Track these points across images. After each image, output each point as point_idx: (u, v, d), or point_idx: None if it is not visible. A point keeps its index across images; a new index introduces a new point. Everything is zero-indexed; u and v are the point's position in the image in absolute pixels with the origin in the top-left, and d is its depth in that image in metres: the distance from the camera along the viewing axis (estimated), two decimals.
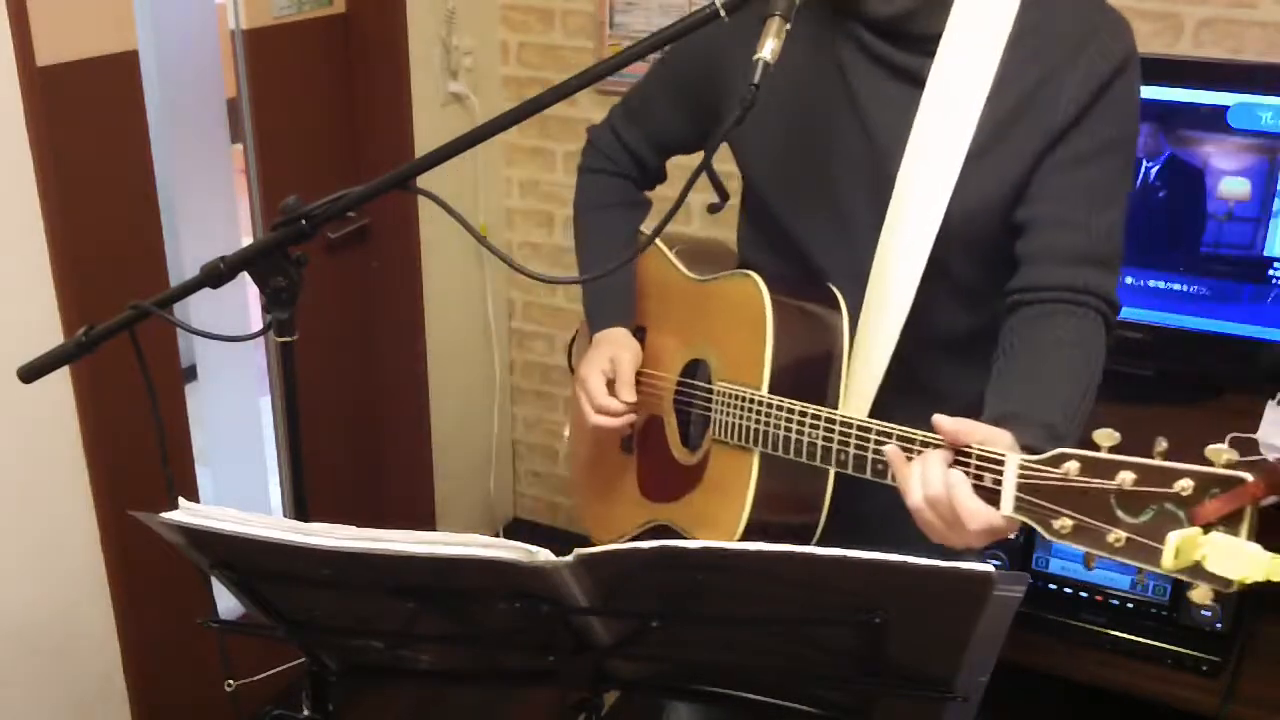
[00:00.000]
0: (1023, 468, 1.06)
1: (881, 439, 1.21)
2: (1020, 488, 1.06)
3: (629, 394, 1.50)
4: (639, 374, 1.55)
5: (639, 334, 1.60)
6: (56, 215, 1.96)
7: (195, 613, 1.27)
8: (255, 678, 2.02)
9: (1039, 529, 1.04)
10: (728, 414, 1.40)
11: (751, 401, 1.36)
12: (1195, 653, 2.19)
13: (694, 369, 1.53)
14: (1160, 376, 2.23)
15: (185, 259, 2.65)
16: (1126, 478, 0.98)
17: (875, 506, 1.36)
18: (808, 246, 1.43)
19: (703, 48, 1.44)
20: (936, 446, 1.15)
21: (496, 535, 1.02)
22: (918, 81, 1.30)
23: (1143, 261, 2.21)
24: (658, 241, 1.62)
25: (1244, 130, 2.08)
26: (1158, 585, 2.22)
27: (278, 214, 1.19)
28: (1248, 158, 2.09)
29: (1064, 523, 1.02)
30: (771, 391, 1.34)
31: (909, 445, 1.18)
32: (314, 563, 1.07)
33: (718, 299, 1.48)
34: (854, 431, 1.24)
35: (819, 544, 1.40)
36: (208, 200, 2.65)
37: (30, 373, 1.25)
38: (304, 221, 1.18)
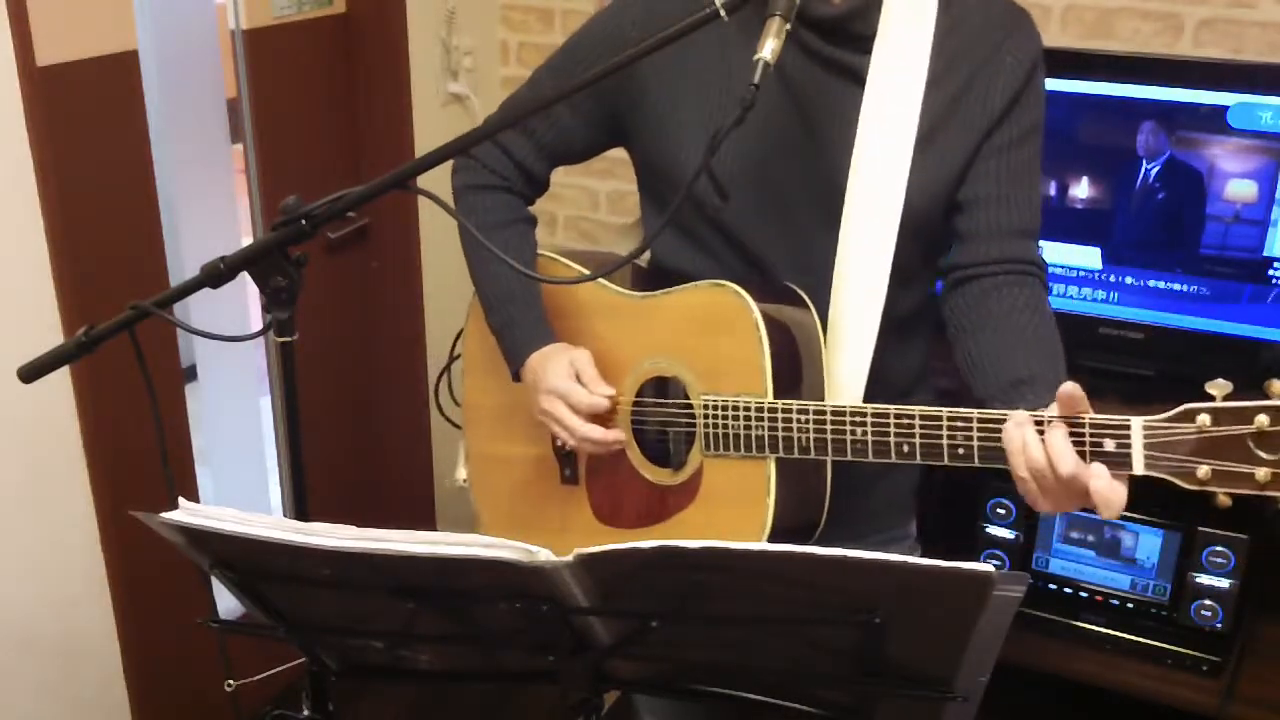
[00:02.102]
0: (1148, 429, 1.11)
1: (955, 423, 1.22)
2: (1149, 447, 1.11)
3: (605, 387, 1.43)
4: None
5: None
6: (56, 215, 1.96)
7: (195, 613, 1.27)
8: (255, 678, 2.02)
9: (1177, 481, 1.10)
10: (724, 426, 1.38)
11: (759, 409, 1.35)
12: (1195, 653, 2.19)
13: (652, 387, 1.48)
14: (1160, 376, 2.23)
15: (185, 259, 2.65)
16: (1263, 420, 1.05)
17: (850, 501, 1.43)
18: (762, 251, 1.43)
19: (613, 49, 1.36)
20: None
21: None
22: (859, 79, 1.36)
23: (1143, 261, 2.22)
24: (560, 258, 1.57)
25: (1244, 130, 2.08)
26: (1157, 585, 2.22)
27: (278, 214, 1.19)
28: (1254, 160, 2.09)
29: (1205, 471, 1.08)
30: (776, 396, 1.34)
31: (997, 424, 1.20)
32: (314, 563, 1.07)
33: (681, 310, 1.44)
34: (916, 421, 1.25)
35: (820, 539, 1.41)
36: (208, 200, 2.65)
37: (30, 373, 1.25)
38: (304, 221, 1.18)
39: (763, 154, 1.39)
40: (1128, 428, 1.12)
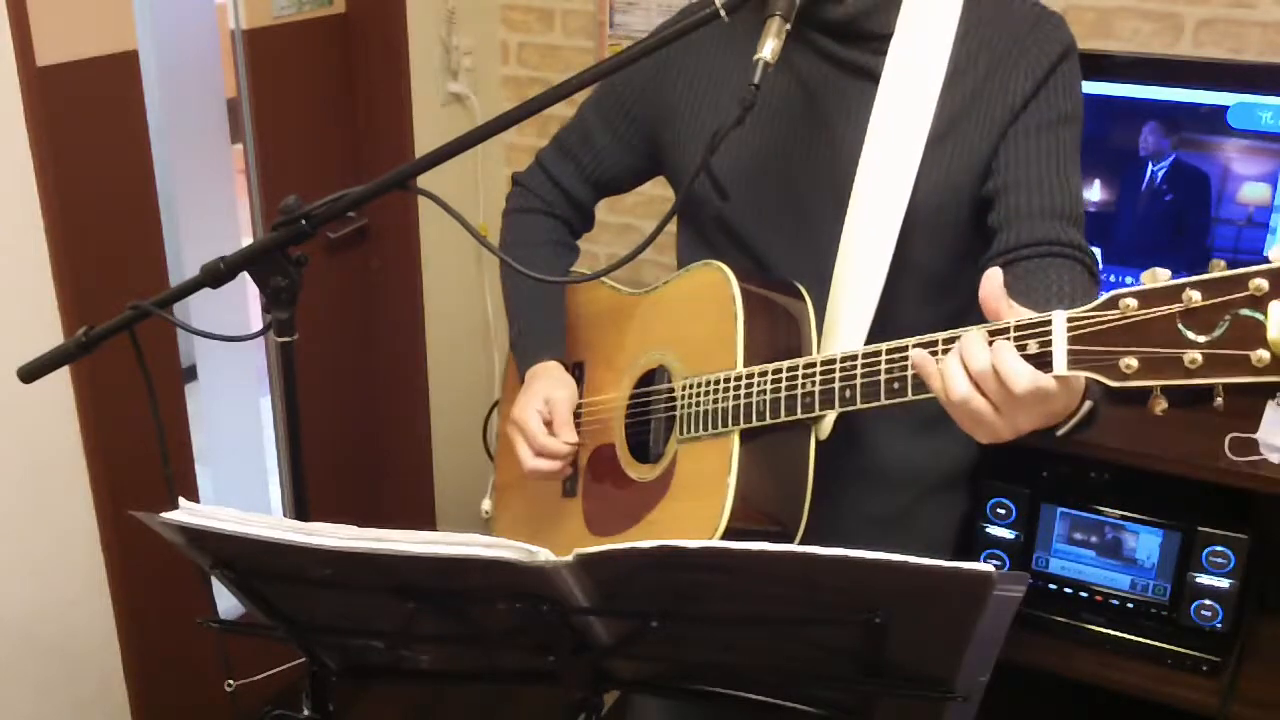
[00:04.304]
0: (1072, 321, 1.01)
1: (894, 355, 1.15)
2: (1073, 340, 1.01)
3: (569, 434, 1.45)
4: (581, 406, 1.51)
5: (578, 369, 1.56)
6: (56, 215, 1.96)
7: (195, 613, 1.27)
8: (255, 678, 2.02)
9: (1102, 379, 0.99)
10: (697, 405, 1.35)
11: (727, 380, 1.32)
12: (1195, 653, 2.19)
13: (649, 380, 1.48)
14: None
15: (185, 259, 2.65)
16: (1193, 296, 0.94)
17: (852, 516, 1.43)
18: (767, 251, 1.43)
19: (648, 73, 1.46)
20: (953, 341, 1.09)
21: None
22: (873, 78, 1.34)
23: (1144, 263, 2.21)
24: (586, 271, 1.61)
25: (1243, 130, 2.08)
26: (1157, 585, 2.22)
27: (278, 214, 1.19)
28: (1254, 160, 2.09)
29: (1129, 362, 0.97)
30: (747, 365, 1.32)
31: (931, 346, 1.11)
32: (315, 563, 1.07)
33: (673, 298, 1.45)
34: (859, 361, 1.19)
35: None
36: (208, 200, 2.65)
37: (30, 373, 1.25)
38: (304, 221, 1.18)
39: (773, 157, 1.39)
40: (1049, 324, 1.02)
